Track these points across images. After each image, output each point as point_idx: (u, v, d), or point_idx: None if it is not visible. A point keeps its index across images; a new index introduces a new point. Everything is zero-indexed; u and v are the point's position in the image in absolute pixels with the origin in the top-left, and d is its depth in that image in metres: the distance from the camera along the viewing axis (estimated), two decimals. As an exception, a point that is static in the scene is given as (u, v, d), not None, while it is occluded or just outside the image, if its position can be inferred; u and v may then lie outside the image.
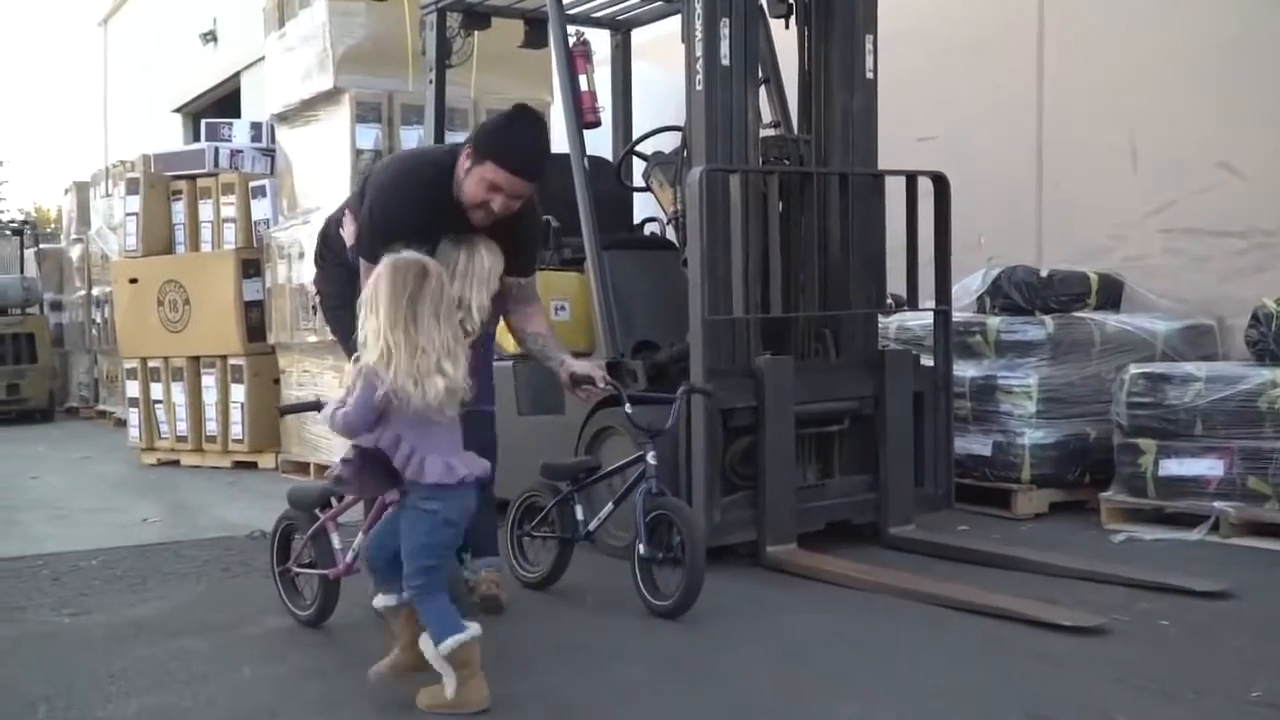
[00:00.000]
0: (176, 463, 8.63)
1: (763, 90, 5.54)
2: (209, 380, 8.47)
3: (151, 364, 8.79)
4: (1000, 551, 4.84)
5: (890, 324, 6.07)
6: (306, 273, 7.16)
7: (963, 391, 5.80)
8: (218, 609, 4.34)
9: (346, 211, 4.16)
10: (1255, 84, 6.07)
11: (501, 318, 4.21)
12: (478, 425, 4.09)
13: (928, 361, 5.38)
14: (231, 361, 8.35)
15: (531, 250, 4.23)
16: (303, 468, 7.64)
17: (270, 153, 8.74)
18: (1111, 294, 6.21)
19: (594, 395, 4.27)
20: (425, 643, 3.15)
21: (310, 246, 5.55)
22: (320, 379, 7.50)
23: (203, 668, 3.62)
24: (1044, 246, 6.93)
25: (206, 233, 8.64)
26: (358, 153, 7.28)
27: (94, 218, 11.88)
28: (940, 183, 5.29)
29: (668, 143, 5.65)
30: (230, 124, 9.53)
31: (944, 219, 5.27)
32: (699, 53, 4.81)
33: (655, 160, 5.64)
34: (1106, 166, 6.66)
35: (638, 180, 5.99)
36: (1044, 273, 6.08)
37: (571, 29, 5.84)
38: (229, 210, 8.50)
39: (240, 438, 8.34)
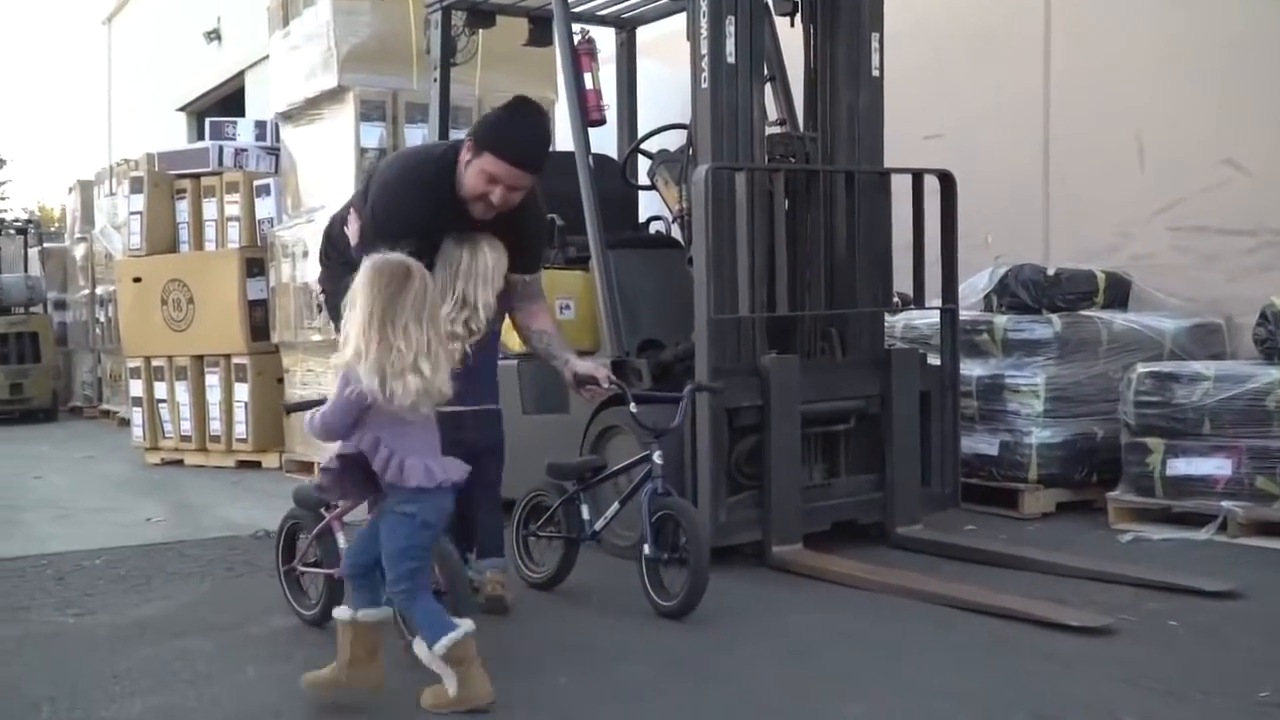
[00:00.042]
0: (180, 462, 8.63)
1: (768, 88, 5.52)
2: (213, 379, 8.47)
3: (155, 363, 8.78)
4: (1007, 551, 4.82)
5: (896, 323, 6.06)
6: (310, 271, 7.14)
7: (969, 390, 5.79)
8: (222, 609, 4.33)
9: (351, 210, 4.15)
10: (1264, 81, 6.04)
11: (507, 315, 4.20)
12: (485, 424, 4.10)
13: (934, 360, 5.36)
14: (235, 361, 8.35)
15: (535, 246, 4.21)
16: (307, 467, 7.63)
17: (274, 151, 8.74)
18: (1119, 292, 6.19)
19: (598, 395, 4.26)
20: (419, 646, 3.14)
21: (314, 245, 5.53)
22: (324, 378, 7.48)
23: (207, 668, 3.61)
24: (1051, 245, 6.91)
25: (210, 231, 8.65)
26: (362, 151, 7.29)
27: (98, 216, 11.90)
28: (946, 181, 5.27)
29: (673, 141, 5.64)
30: (234, 123, 9.55)
31: (950, 217, 5.26)
32: (704, 50, 4.79)
33: (660, 158, 5.62)
34: (1114, 164, 6.63)
35: (643, 178, 5.97)
36: (1051, 271, 6.06)
37: (576, 27, 5.83)
38: (233, 209, 8.50)
39: (244, 437, 8.33)
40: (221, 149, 8.97)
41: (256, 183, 8.45)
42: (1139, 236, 6.51)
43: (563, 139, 5.45)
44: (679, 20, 5.21)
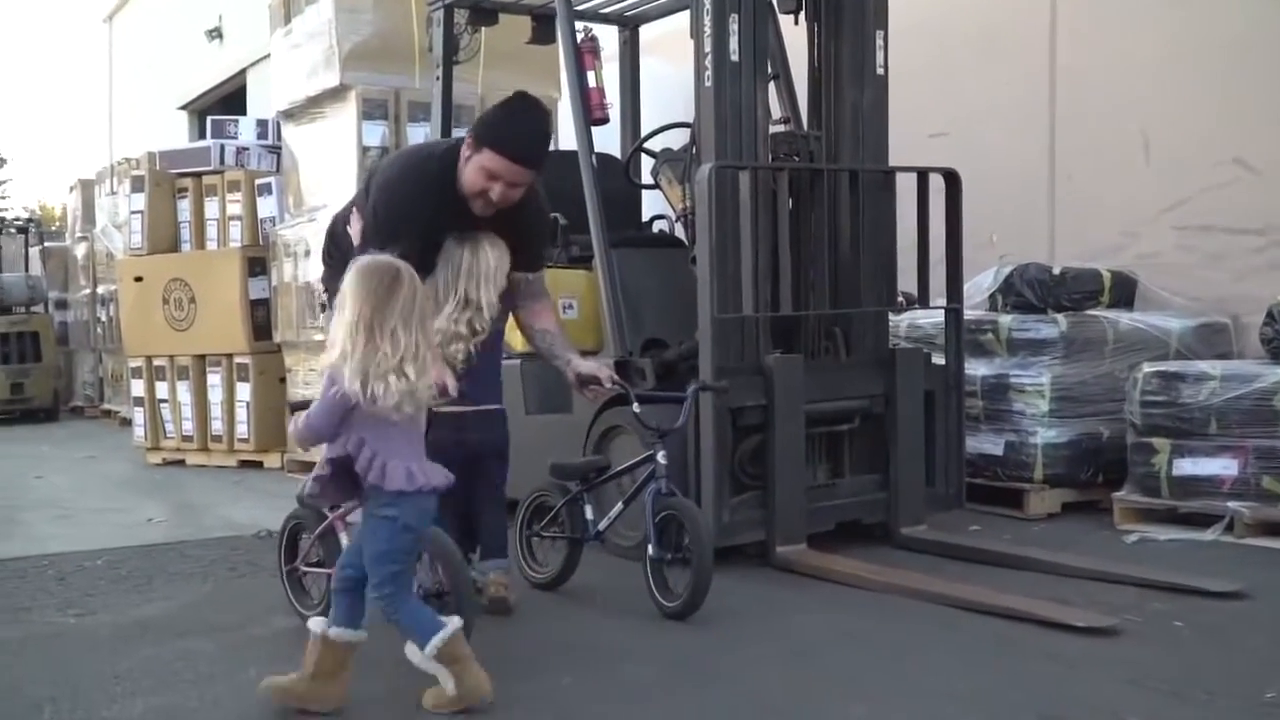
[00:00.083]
0: (182, 462, 8.62)
1: (772, 86, 5.50)
2: (214, 379, 8.46)
3: (157, 363, 8.77)
4: (1012, 552, 4.81)
5: (901, 322, 6.05)
6: (312, 270, 7.14)
7: (974, 390, 5.77)
8: (224, 609, 4.32)
9: (354, 209, 4.14)
10: (1271, 79, 6.02)
11: (510, 314, 4.18)
12: (489, 424, 4.09)
13: (939, 360, 5.34)
14: (237, 360, 8.33)
15: (538, 244, 4.20)
16: (309, 467, 7.57)
17: (276, 150, 8.72)
18: (1125, 292, 6.17)
19: (601, 395, 4.24)
20: (411, 650, 3.12)
21: (316, 244, 5.53)
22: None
23: (209, 668, 3.60)
24: (1056, 244, 6.90)
25: (212, 230, 8.64)
26: (364, 150, 7.27)
27: (99, 215, 11.89)
28: (952, 179, 5.26)
29: (676, 139, 5.63)
30: (236, 121, 9.54)
31: (955, 216, 5.24)
32: (708, 48, 4.77)
33: (664, 157, 5.60)
34: (1120, 162, 6.62)
35: (646, 177, 5.95)
36: (1056, 270, 6.04)
37: (579, 25, 5.81)
38: (234, 208, 8.48)
39: (246, 437, 8.32)
40: (223, 148, 8.95)
41: (258, 181, 8.44)
42: (1145, 235, 6.50)
43: (566, 137, 5.43)
44: (682, 18, 5.21)
